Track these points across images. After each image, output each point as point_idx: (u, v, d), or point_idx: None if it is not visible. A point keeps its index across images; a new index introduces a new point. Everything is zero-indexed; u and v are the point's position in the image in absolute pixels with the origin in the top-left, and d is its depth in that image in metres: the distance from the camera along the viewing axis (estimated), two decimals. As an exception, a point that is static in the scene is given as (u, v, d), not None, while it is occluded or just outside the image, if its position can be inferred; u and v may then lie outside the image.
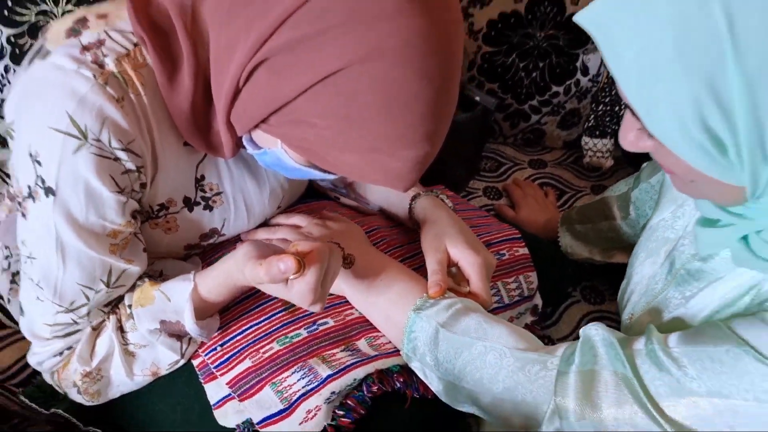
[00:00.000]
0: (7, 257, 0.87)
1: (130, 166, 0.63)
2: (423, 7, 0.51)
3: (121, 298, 0.72)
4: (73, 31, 0.63)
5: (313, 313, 0.74)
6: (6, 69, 1.16)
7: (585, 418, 0.57)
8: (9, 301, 0.86)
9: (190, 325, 0.68)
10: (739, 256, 0.57)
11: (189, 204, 0.73)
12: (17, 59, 1.15)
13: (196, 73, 0.62)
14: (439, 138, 0.58)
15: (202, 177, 0.73)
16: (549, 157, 1.36)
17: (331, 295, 0.75)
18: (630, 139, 0.56)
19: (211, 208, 0.75)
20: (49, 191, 0.62)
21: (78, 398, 0.72)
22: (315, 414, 0.64)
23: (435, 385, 0.68)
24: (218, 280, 0.69)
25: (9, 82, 1.18)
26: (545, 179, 1.29)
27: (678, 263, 0.66)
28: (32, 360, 0.73)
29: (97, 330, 0.71)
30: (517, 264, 0.89)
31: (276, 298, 0.75)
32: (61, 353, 0.71)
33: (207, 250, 0.80)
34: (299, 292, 0.62)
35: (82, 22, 0.64)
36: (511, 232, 0.92)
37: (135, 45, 0.63)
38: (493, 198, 1.25)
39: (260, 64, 0.55)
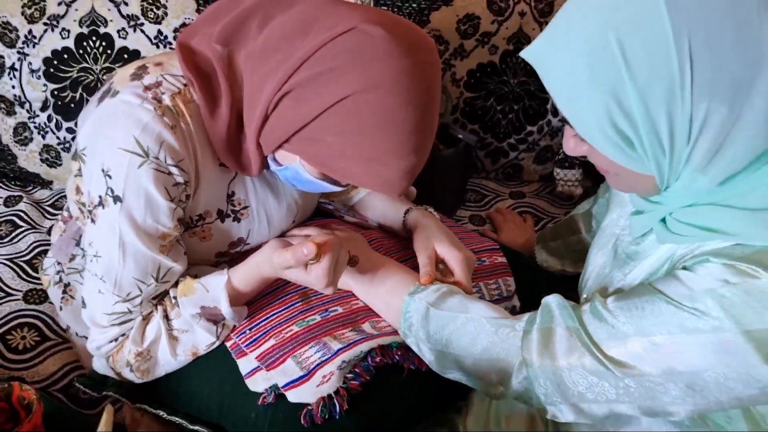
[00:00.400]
0: (59, 272, 1.03)
1: (180, 180, 0.80)
2: (408, 50, 0.70)
3: (166, 293, 0.87)
4: (136, 76, 0.81)
5: (325, 302, 0.89)
6: (49, 118, 1.35)
7: (545, 367, 0.72)
8: (61, 308, 1.01)
9: (225, 308, 0.83)
10: (661, 235, 0.73)
11: (221, 216, 0.89)
12: (59, 110, 1.34)
13: (231, 106, 0.80)
14: (424, 152, 0.75)
15: (233, 193, 0.89)
16: (527, 189, 1.53)
17: (340, 289, 0.91)
18: (570, 146, 0.73)
19: (239, 220, 0.91)
20: (117, 199, 0.78)
21: (131, 376, 0.87)
22: (329, 378, 0.79)
23: (427, 356, 0.82)
24: (248, 272, 0.84)
25: (51, 130, 1.36)
26: (524, 208, 1.46)
27: (620, 250, 0.82)
28: (91, 346, 0.87)
29: (146, 319, 0.86)
30: (497, 269, 1.04)
31: (293, 291, 0.91)
32: (116, 339, 0.86)
33: (234, 258, 0.95)
34: (316, 275, 0.78)
35: (143, 68, 0.82)
36: (490, 243, 1.08)
37: (185, 85, 0.81)
38: (478, 224, 1.41)
39: (285, 95, 0.73)
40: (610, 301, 0.71)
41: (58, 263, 1.03)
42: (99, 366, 0.90)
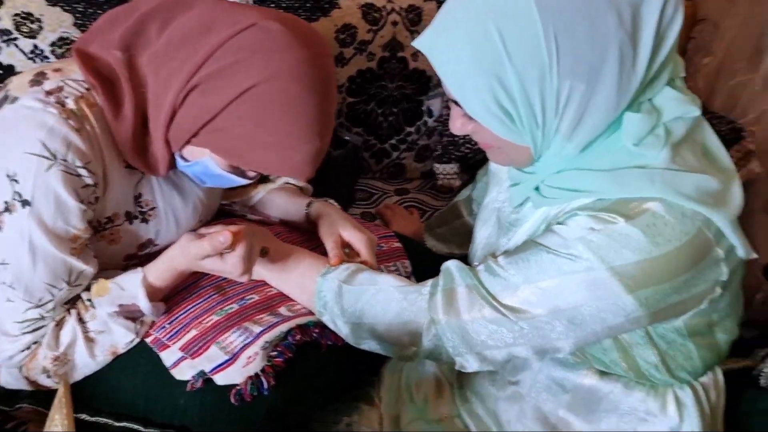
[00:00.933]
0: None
1: (89, 181, 0.82)
2: (304, 42, 0.78)
3: (77, 297, 0.87)
4: (36, 82, 0.82)
5: (240, 292, 0.94)
6: None
7: (451, 322, 0.82)
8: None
9: (144, 303, 0.86)
10: (536, 201, 0.85)
11: (129, 217, 0.92)
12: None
13: (135, 108, 0.83)
14: (327, 136, 0.83)
15: (140, 195, 0.92)
16: (410, 186, 1.65)
17: (253, 279, 0.96)
18: (457, 126, 0.83)
19: (147, 221, 0.94)
20: (25, 203, 0.79)
21: (47, 382, 0.86)
22: (254, 359, 0.84)
23: (343, 330, 0.89)
24: (163, 267, 0.88)
25: None
26: (409, 202, 1.58)
27: (502, 220, 0.95)
28: (2, 357, 0.86)
29: (59, 325, 0.86)
30: (394, 253, 1.14)
31: (207, 285, 0.94)
32: (29, 347, 0.85)
33: (142, 262, 0.97)
34: (233, 263, 0.83)
35: (42, 74, 0.83)
36: (386, 231, 1.18)
37: (87, 89, 0.83)
38: (369, 221, 1.50)
39: (192, 90, 0.78)
40: (500, 259, 0.82)
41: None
42: (9, 380, 0.89)
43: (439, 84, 1.56)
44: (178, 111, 0.81)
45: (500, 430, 0.94)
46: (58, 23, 1.30)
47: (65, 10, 1.31)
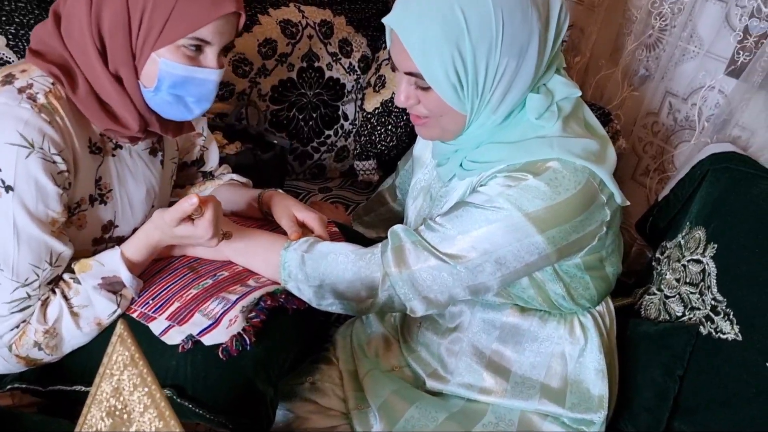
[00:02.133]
0: None
1: (63, 168, 0.92)
2: None
3: (59, 278, 0.97)
4: (6, 82, 0.91)
5: (211, 270, 1.07)
6: None
7: (402, 274, 0.99)
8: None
9: (125, 274, 0.97)
10: (461, 174, 1.05)
11: (92, 200, 1.01)
12: None
13: (84, 78, 0.93)
14: None
15: (100, 178, 1.02)
16: (332, 184, 1.82)
17: (220, 261, 1.09)
18: (402, 98, 0.97)
19: (105, 203, 1.03)
20: (8, 189, 0.88)
21: (40, 355, 0.94)
22: (236, 321, 0.97)
23: (307, 294, 1.04)
24: (139, 242, 0.99)
25: None
26: (334, 199, 1.74)
27: (434, 193, 1.14)
28: None
29: (44, 303, 0.95)
30: (333, 237, 1.28)
31: (181, 266, 1.06)
32: (17, 326, 0.93)
33: (109, 247, 1.06)
34: (203, 226, 0.96)
35: (10, 75, 0.92)
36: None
37: (53, 84, 0.93)
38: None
39: (99, 17, 0.88)
40: (437, 219, 1.01)
41: None
42: (5, 351, 0.95)
43: (351, 91, 1.75)
44: (105, 49, 0.91)
45: (445, 370, 1.13)
46: (-11, 43, 1.36)
47: (-4, 31, 1.38)
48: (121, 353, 0.65)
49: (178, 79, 0.94)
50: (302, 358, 1.17)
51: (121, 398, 0.64)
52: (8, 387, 0.96)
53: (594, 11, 1.58)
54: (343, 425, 1.11)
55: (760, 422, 1.07)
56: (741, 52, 1.29)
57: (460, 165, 1.05)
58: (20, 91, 0.89)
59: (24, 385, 0.97)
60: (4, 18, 1.38)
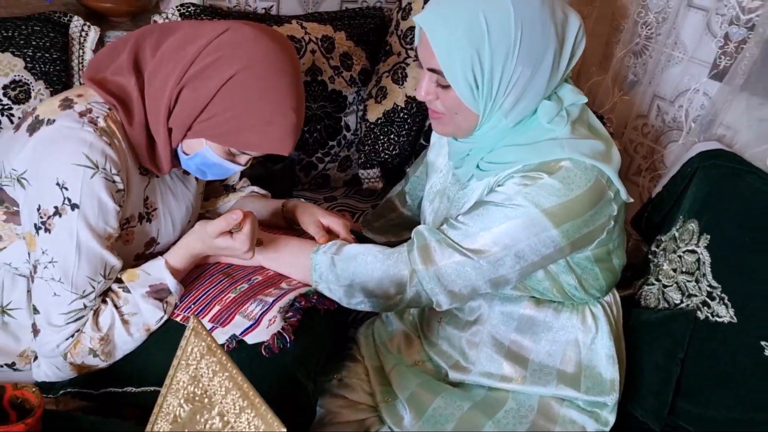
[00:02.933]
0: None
1: (121, 186, 0.99)
2: (271, 38, 0.99)
3: (108, 289, 1.03)
4: (66, 106, 0.98)
5: (245, 275, 1.13)
6: None
7: (429, 270, 1.07)
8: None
9: (170, 281, 1.04)
10: (478, 175, 1.13)
11: (140, 218, 1.08)
12: None
13: (144, 117, 1.01)
14: (301, 112, 1.03)
15: (147, 198, 1.09)
16: (337, 193, 1.89)
17: (252, 266, 1.16)
18: (424, 92, 1.06)
19: (150, 221, 1.11)
20: (74, 206, 0.94)
21: (95, 361, 1.00)
22: (275, 321, 1.04)
23: (337, 294, 1.11)
24: (181, 252, 1.07)
25: None
26: (339, 207, 1.82)
27: (451, 195, 1.22)
28: (46, 348, 0.99)
29: (96, 313, 1.01)
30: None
31: (217, 272, 1.13)
32: (72, 335, 0.99)
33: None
34: (241, 240, 1.04)
35: (68, 100, 0.99)
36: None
37: (110, 109, 1.00)
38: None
39: (183, 88, 0.98)
40: (459, 218, 1.09)
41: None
42: (49, 373, 1.02)
43: (353, 102, 1.83)
44: (173, 110, 1.00)
45: (467, 361, 1.20)
46: (10, 68, 1.42)
47: (15, 56, 1.43)
48: (196, 345, 0.72)
49: (210, 162, 1.05)
50: (333, 352, 1.24)
51: (200, 385, 0.71)
52: (61, 392, 1.02)
53: (585, 21, 1.68)
54: (371, 418, 1.19)
55: (757, 397, 1.17)
56: (723, 57, 1.40)
57: (477, 166, 1.13)
58: (81, 114, 0.96)
59: (76, 389, 1.02)
60: (22, 42, 1.44)
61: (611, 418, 1.16)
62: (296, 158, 1.69)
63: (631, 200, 1.14)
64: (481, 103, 1.05)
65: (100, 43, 1.56)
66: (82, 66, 1.55)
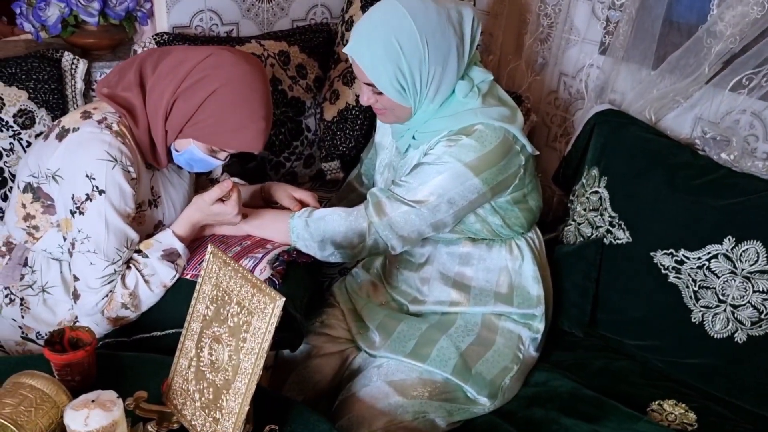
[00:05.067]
0: (7, 295, 1.38)
1: (134, 176, 1.30)
2: (246, 60, 1.32)
3: (131, 258, 1.33)
4: (86, 116, 1.29)
5: (237, 241, 1.44)
6: None
7: (382, 220, 1.39)
8: (23, 317, 1.37)
9: (179, 244, 1.35)
10: (414, 144, 1.46)
11: (150, 204, 1.39)
12: None
13: (146, 123, 1.32)
14: (270, 118, 1.35)
15: (153, 187, 1.40)
16: (304, 188, 2.20)
17: (241, 236, 1.47)
18: (365, 99, 1.39)
19: (156, 206, 1.41)
20: (101, 192, 1.25)
21: (127, 313, 1.31)
22: (265, 269, 1.34)
23: (312, 249, 1.43)
24: (184, 221, 1.38)
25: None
26: (308, 197, 2.13)
27: (395, 165, 1.55)
28: (86, 308, 1.29)
29: (123, 277, 1.31)
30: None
31: (216, 241, 1.44)
32: (106, 295, 1.29)
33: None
34: (231, 205, 1.35)
35: (87, 113, 1.30)
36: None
37: (120, 117, 1.31)
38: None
39: (176, 99, 1.29)
40: (402, 178, 1.42)
41: (5, 288, 1.38)
42: (99, 317, 1.31)
43: (310, 107, 2.16)
44: (169, 115, 1.31)
45: (422, 294, 1.53)
46: (16, 99, 1.71)
47: (20, 88, 1.72)
48: (214, 263, 1.03)
49: (195, 158, 1.36)
50: (311, 304, 1.54)
51: (221, 288, 1.02)
52: (100, 342, 1.31)
53: (498, 18, 2.05)
54: (350, 348, 1.50)
55: (654, 299, 1.51)
56: (606, 36, 1.77)
57: (413, 137, 1.46)
58: (99, 122, 1.27)
59: (112, 339, 1.32)
60: (23, 76, 1.73)
61: (541, 327, 1.49)
62: (267, 157, 2.01)
63: (537, 152, 1.47)
64: (410, 100, 1.38)
65: (88, 73, 1.86)
66: (75, 93, 1.84)
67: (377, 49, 1.32)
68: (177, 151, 1.37)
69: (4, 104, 1.68)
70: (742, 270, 1.39)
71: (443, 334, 1.44)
